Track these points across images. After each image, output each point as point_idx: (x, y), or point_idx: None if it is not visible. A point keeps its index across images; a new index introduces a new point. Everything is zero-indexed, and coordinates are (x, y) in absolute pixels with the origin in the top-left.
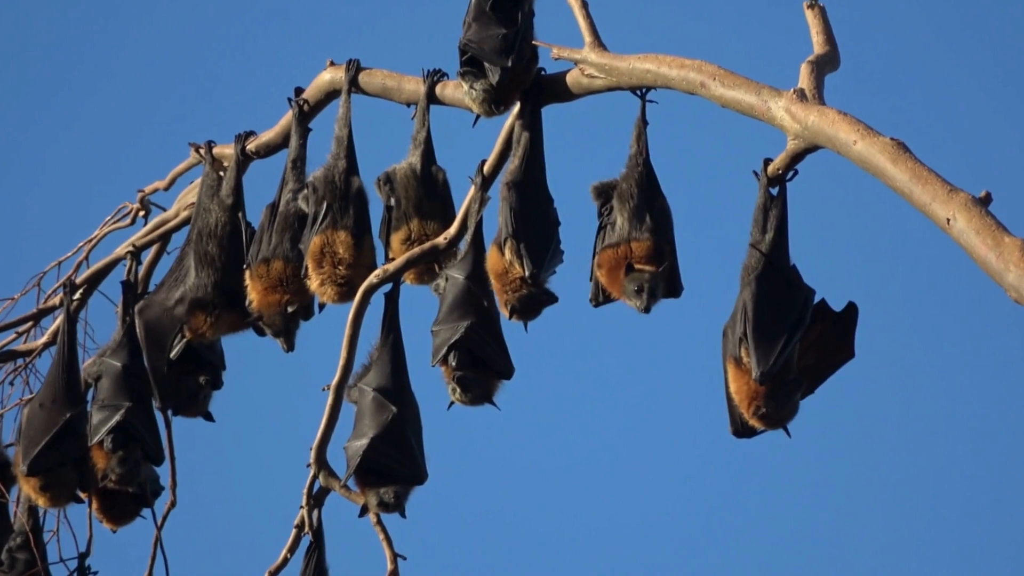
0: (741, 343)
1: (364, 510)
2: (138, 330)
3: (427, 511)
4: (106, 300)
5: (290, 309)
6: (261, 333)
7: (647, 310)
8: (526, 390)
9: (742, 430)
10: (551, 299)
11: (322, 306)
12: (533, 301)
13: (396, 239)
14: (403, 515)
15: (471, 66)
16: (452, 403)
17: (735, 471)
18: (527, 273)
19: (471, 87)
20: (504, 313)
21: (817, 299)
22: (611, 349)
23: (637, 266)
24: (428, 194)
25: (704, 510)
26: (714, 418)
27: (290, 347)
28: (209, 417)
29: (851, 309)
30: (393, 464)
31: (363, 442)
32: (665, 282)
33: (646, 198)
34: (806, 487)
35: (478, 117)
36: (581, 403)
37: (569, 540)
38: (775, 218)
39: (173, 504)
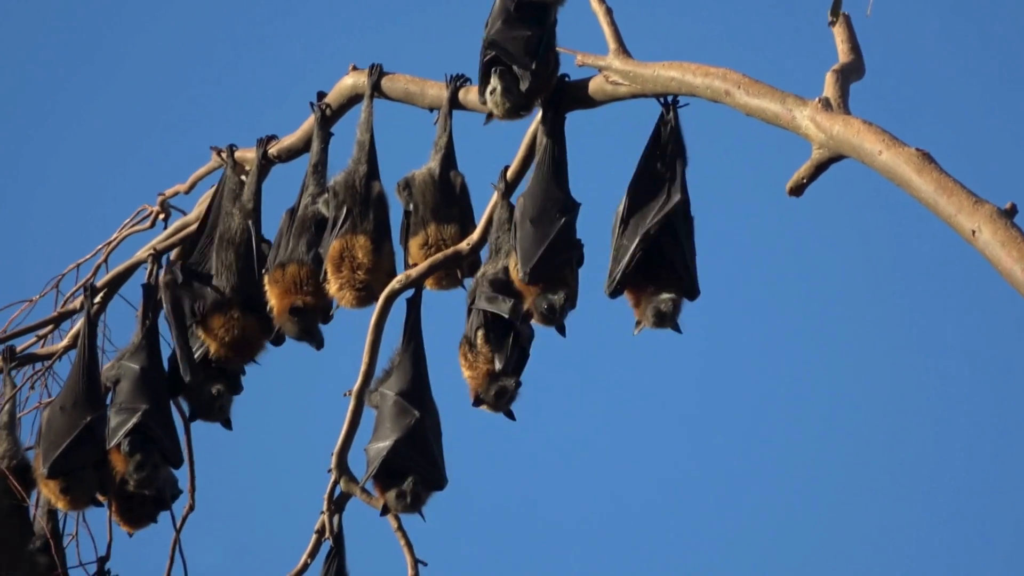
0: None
1: (386, 509)
2: (164, 305)
3: (448, 517)
4: (125, 304)
5: (299, 304)
6: (280, 342)
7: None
8: (540, 392)
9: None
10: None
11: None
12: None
13: (414, 244)
14: (422, 517)
15: (495, 66)
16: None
17: (734, 470)
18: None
19: (495, 88)
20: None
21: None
22: (618, 355)
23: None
24: (446, 199)
25: (706, 504)
26: (713, 418)
27: (319, 345)
28: (227, 425)
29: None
30: (414, 468)
31: (385, 444)
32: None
33: None
34: (802, 485)
35: (490, 116)
36: (593, 402)
37: (594, 543)
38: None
39: (192, 507)
